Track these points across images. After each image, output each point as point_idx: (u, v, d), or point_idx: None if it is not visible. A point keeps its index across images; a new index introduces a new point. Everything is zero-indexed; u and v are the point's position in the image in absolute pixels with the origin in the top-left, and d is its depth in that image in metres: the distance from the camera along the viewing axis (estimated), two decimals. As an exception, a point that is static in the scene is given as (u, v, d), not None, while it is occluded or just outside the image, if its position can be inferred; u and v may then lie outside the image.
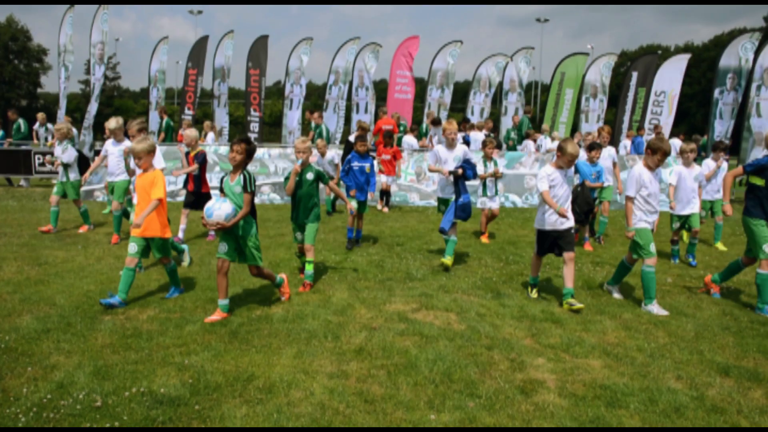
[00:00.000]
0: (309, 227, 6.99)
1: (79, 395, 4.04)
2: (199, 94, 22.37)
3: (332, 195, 13.06)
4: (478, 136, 17.00)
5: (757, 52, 17.29)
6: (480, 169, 9.60)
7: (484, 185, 9.98)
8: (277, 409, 3.95)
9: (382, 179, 13.44)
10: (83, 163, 17.40)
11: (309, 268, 6.92)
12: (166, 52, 22.35)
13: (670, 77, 19.61)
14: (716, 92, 17.96)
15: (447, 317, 5.94)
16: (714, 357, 5.05)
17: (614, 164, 10.55)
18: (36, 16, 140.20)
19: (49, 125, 18.50)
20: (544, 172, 6.56)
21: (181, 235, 9.44)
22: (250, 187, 5.83)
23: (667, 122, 19.70)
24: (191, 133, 9.60)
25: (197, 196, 9.46)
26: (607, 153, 10.42)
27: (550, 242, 6.66)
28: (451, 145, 8.10)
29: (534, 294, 6.79)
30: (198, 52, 21.77)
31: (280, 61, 21.01)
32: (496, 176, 9.88)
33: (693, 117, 55.37)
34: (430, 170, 8.25)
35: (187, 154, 9.56)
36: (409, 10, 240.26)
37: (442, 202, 8.21)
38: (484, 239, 10.12)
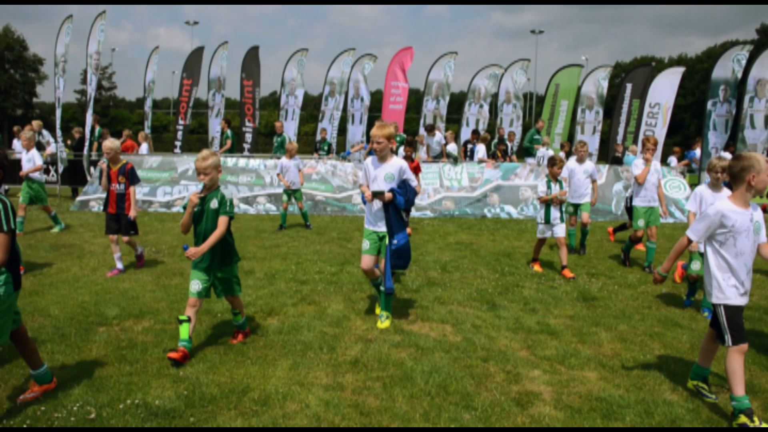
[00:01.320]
0: (227, 273, 5.31)
1: (73, 407, 4.01)
2: (194, 104, 22.40)
3: (305, 208, 12.49)
4: (481, 148, 17.00)
5: (749, 64, 17.42)
6: (541, 190, 8.57)
7: (548, 209, 8.54)
8: (272, 422, 3.93)
9: None
10: (79, 174, 17.45)
11: (239, 319, 5.48)
12: (157, 62, 22.39)
13: (664, 89, 19.73)
14: (709, 104, 18.08)
15: (442, 329, 5.94)
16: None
17: (658, 180, 9.02)
18: (32, 26, 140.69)
19: (45, 132, 18.53)
20: (714, 212, 4.31)
21: (119, 265, 8.07)
22: (6, 223, 3.81)
23: (661, 134, 19.80)
24: (110, 143, 8.00)
25: (118, 220, 8.13)
26: (653, 168, 8.95)
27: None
28: (381, 158, 6.01)
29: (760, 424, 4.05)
30: (193, 63, 21.83)
31: (277, 72, 21.12)
32: (555, 201, 8.48)
33: (687, 128, 55.67)
34: (361, 191, 6.21)
35: (108, 168, 8.14)
36: (405, 22, 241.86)
37: (369, 235, 6.08)
38: (536, 267, 8.78)
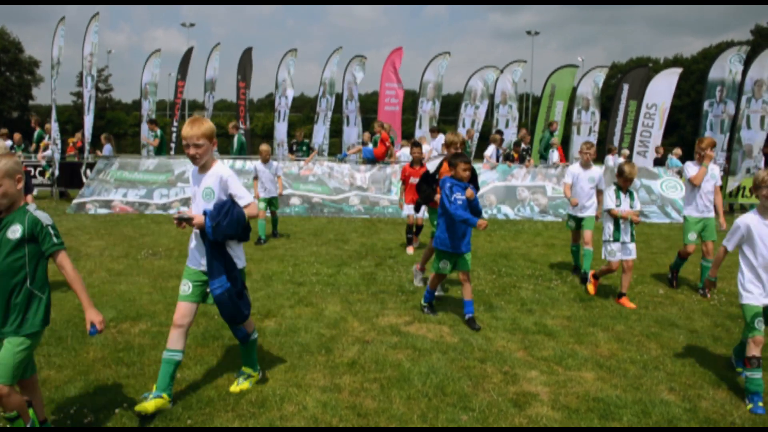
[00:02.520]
0: (8, 345, 3.37)
1: (69, 410, 4.01)
2: (192, 105, 22.48)
3: (267, 216, 11.13)
4: (491, 149, 16.80)
5: (746, 65, 17.47)
6: (610, 203, 7.10)
7: (617, 225, 7.13)
8: (269, 423, 3.93)
9: (407, 211, 10.08)
10: (75, 178, 17.41)
11: (19, 424, 3.48)
12: (158, 65, 22.40)
13: (661, 90, 19.79)
14: (706, 104, 18.12)
15: (440, 330, 5.94)
16: (706, 369, 5.07)
17: (716, 188, 7.82)
18: (28, 29, 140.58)
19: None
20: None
21: None
22: None
23: (657, 135, 19.85)
24: None
25: None
26: (709, 170, 7.71)
27: None
28: (201, 167, 4.26)
29: None
30: (185, 65, 21.86)
31: (273, 74, 21.15)
32: (635, 220, 7.04)
33: (683, 129, 55.82)
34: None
35: None
36: (404, 24, 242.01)
37: (190, 275, 4.29)
38: (626, 303, 7.08)
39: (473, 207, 6.23)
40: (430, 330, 5.93)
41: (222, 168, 4.24)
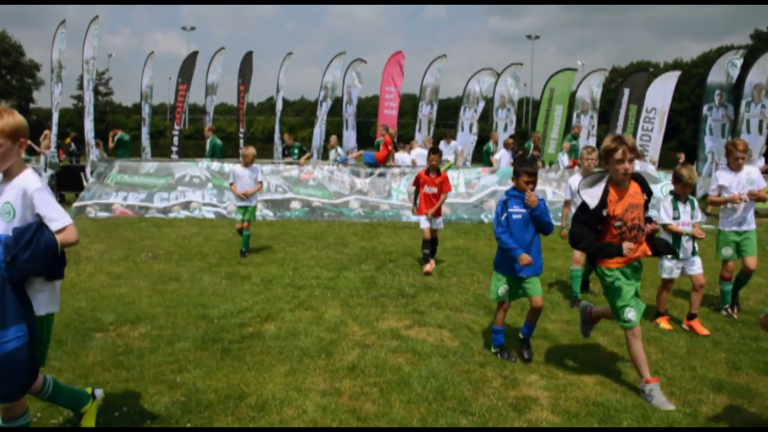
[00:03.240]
0: None
1: (69, 413, 4.00)
2: (190, 109, 22.56)
3: (249, 230, 9.79)
4: (505, 155, 16.59)
5: (745, 69, 17.50)
6: (666, 217, 6.22)
7: (677, 240, 6.25)
8: (269, 427, 3.93)
9: (422, 223, 9.01)
10: (76, 180, 17.41)
11: None
12: (152, 67, 22.46)
13: (661, 94, 19.80)
14: (705, 108, 18.14)
15: (440, 334, 5.93)
16: (706, 373, 5.06)
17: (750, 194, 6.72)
18: (28, 32, 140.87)
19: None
20: None
21: None
22: None
23: (657, 139, 19.84)
24: None
25: None
26: (745, 175, 6.69)
27: None
28: (4, 176, 3.24)
29: None
30: (187, 68, 21.89)
31: (273, 77, 21.55)
32: (697, 234, 6.15)
33: (683, 133, 55.86)
34: None
35: None
36: (403, 27, 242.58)
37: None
38: (663, 323, 6.40)
39: (535, 218, 5.24)
40: (430, 334, 5.92)
41: (29, 178, 3.19)
